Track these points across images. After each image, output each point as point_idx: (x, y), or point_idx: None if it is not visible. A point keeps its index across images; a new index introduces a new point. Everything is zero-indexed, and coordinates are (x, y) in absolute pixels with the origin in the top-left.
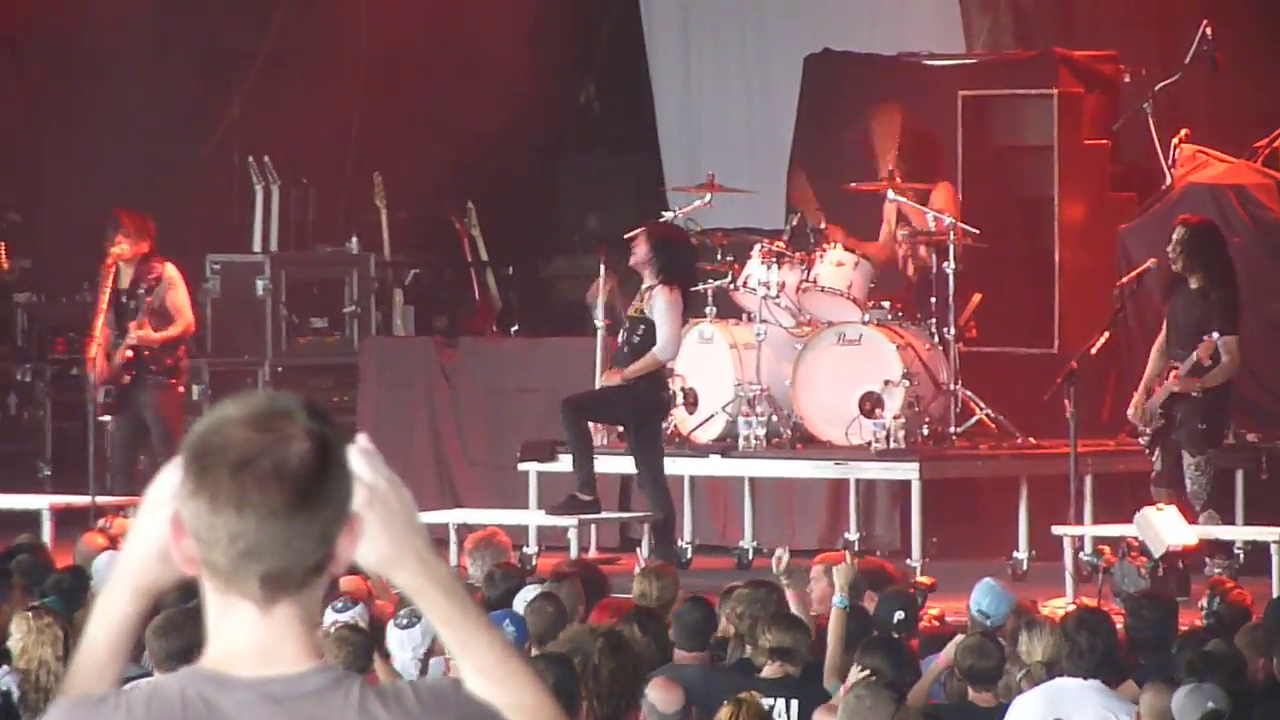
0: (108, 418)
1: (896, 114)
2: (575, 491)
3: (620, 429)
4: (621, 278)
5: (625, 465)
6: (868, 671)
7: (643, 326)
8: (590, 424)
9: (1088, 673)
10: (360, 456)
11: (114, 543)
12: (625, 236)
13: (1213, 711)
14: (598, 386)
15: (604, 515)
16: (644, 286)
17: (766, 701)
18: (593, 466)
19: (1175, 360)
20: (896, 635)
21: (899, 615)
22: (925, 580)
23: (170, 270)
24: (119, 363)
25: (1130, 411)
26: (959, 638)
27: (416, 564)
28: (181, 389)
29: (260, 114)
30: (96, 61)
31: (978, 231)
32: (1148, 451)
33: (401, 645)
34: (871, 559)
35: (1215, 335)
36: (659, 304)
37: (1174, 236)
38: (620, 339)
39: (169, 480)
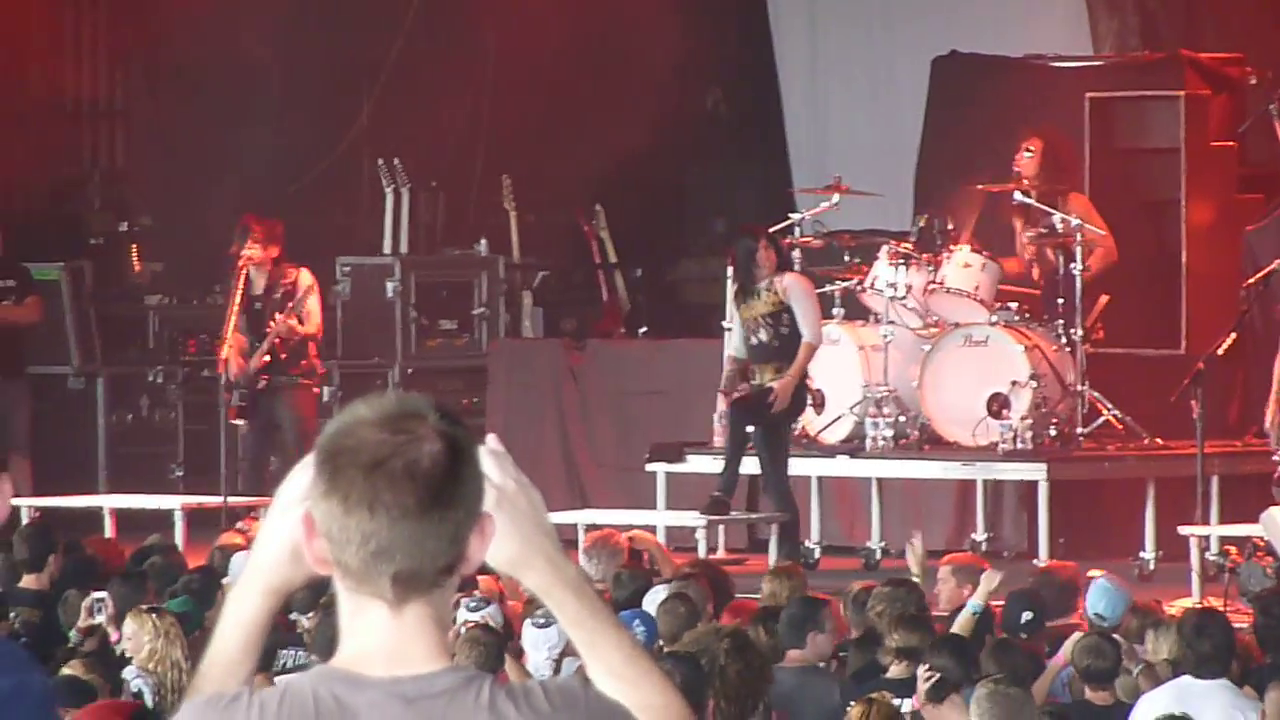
0: (240, 421)
1: (1032, 122)
2: (718, 492)
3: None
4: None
5: (751, 465)
6: (931, 672)
7: (786, 316)
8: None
9: (1211, 675)
10: (490, 458)
11: (251, 544)
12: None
13: None
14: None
15: (734, 516)
16: (760, 286)
17: (894, 702)
18: (739, 469)
19: None
20: (1024, 635)
21: (1026, 616)
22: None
23: (305, 276)
24: (255, 367)
25: (1268, 424)
26: (1076, 635)
27: (545, 564)
28: (316, 390)
29: (389, 117)
30: (227, 68)
31: (1105, 234)
32: None
33: (537, 645)
34: (971, 556)
35: None
36: (797, 291)
37: None
38: (757, 338)
39: (300, 480)
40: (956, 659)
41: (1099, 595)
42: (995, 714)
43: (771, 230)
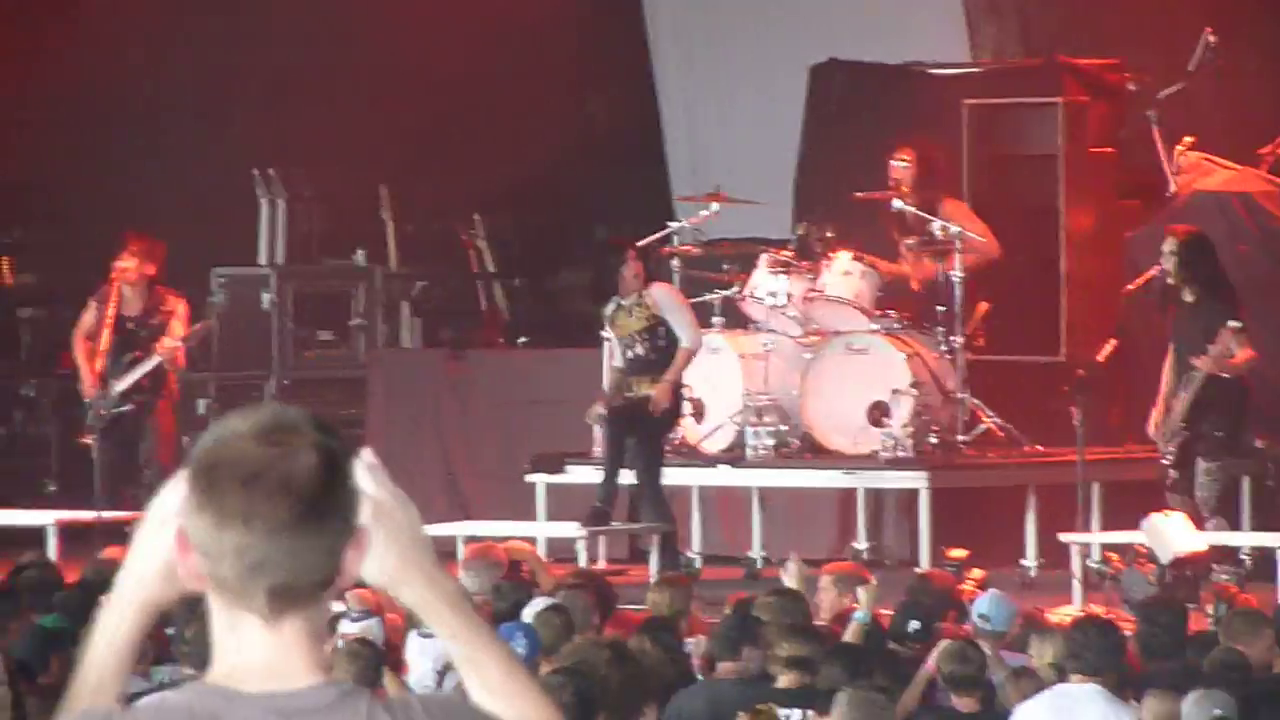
0: (89, 440)
1: (910, 129)
2: (599, 503)
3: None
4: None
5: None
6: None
7: (662, 329)
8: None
9: (1091, 673)
10: (365, 470)
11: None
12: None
13: (1220, 718)
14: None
15: (615, 527)
16: (629, 302)
17: (783, 712)
18: (618, 478)
19: (1187, 371)
20: (912, 645)
21: (914, 625)
22: (960, 553)
23: (182, 308)
24: (123, 390)
25: (1150, 429)
26: (943, 643)
27: (422, 579)
28: (171, 410)
29: (266, 128)
30: (101, 76)
31: (984, 240)
32: (1172, 470)
33: (423, 653)
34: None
35: (1230, 324)
36: (667, 301)
37: (1164, 249)
38: (634, 352)
39: (173, 495)
40: (849, 669)
41: (987, 600)
42: (855, 718)
43: (642, 242)
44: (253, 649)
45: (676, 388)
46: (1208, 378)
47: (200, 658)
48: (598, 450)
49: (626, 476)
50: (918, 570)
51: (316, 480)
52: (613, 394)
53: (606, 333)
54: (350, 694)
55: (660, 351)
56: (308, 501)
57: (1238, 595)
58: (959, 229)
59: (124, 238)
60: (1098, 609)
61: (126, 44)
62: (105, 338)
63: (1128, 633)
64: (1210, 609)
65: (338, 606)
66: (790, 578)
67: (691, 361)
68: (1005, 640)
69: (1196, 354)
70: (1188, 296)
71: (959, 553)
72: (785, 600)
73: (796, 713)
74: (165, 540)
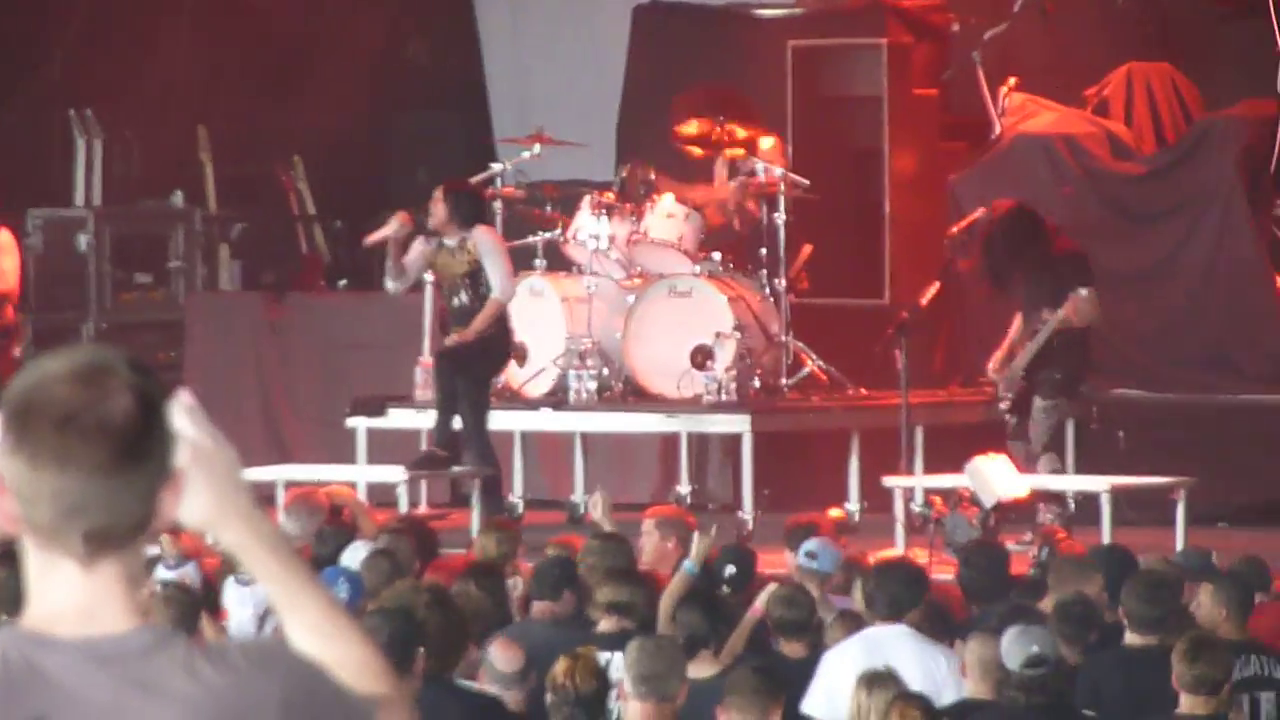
0: None
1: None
2: (434, 447)
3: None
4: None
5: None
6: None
7: (484, 275)
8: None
9: (892, 615)
10: (182, 412)
11: None
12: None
13: (1037, 656)
14: (446, 344)
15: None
16: (451, 244)
17: (603, 656)
18: (453, 423)
19: (1037, 324)
20: (730, 590)
21: (729, 570)
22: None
23: (4, 236)
24: None
25: (991, 367)
26: (771, 587)
27: (240, 521)
28: (17, 351)
29: (82, 66)
30: None
31: (808, 183)
32: (1009, 416)
33: (242, 602)
34: (676, 509)
35: (1080, 291)
36: (485, 245)
37: (992, 244)
38: (459, 299)
39: None
40: (706, 615)
41: (815, 541)
42: (642, 663)
43: (457, 183)
44: (68, 593)
45: (499, 335)
46: (1055, 332)
47: (10, 600)
48: (419, 394)
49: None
50: (749, 518)
51: (133, 422)
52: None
53: (428, 275)
54: (167, 638)
55: (483, 300)
56: (124, 444)
57: (1063, 539)
58: (782, 170)
59: None
60: (921, 553)
61: None
62: None
63: (947, 576)
64: (1034, 552)
65: (153, 552)
66: (596, 511)
67: (500, 312)
68: (830, 584)
69: (1052, 303)
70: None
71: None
72: (609, 544)
73: (616, 655)
74: None
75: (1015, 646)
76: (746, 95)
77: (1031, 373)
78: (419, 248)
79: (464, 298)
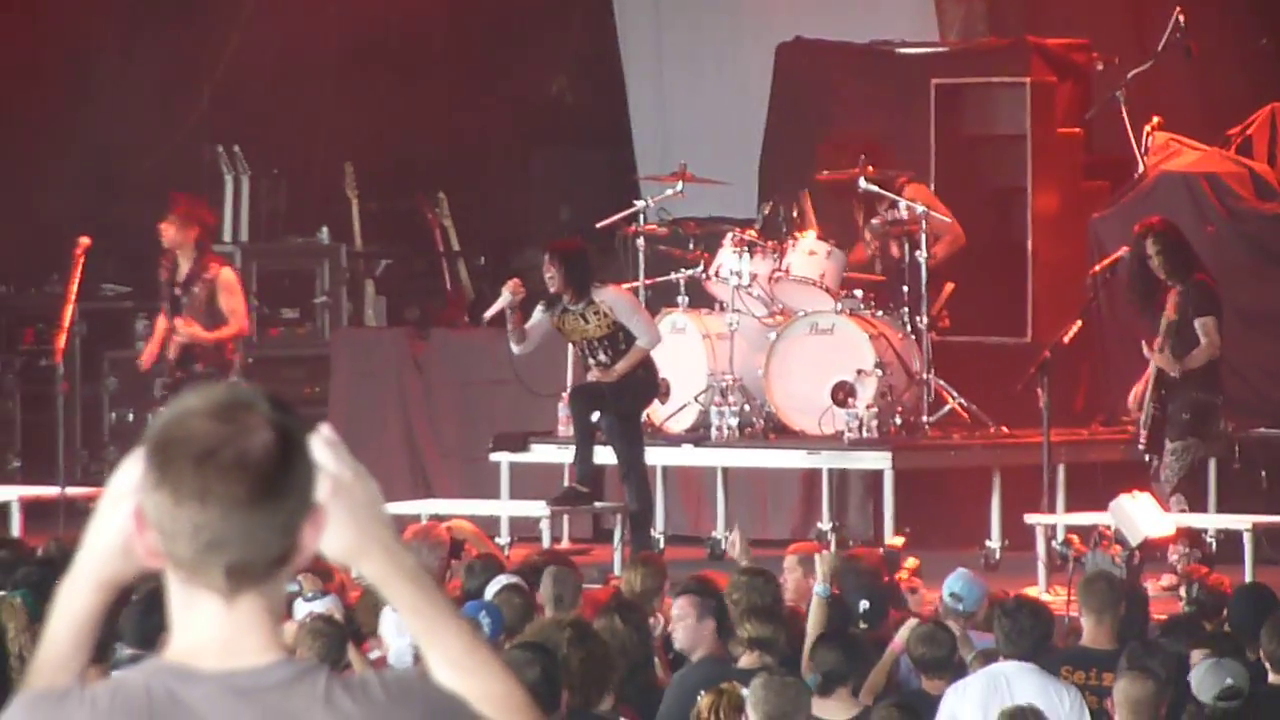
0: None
1: (878, 108)
2: (575, 483)
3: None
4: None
5: (602, 455)
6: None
7: (623, 334)
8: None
9: (1023, 654)
10: (324, 447)
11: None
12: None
13: (1230, 688)
14: (588, 380)
15: (579, 507)
16: (577, 308)
17: (744, 692)
18: (593, 458)
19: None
20: (865, 625)
21: (864, 605)
22: (897, 542)
23: (226, 274)
24: (172, 357)
25: (1130, 403)
26: (911, 622)
27: (382, 554)
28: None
29: (230, 104)
30: (65, 48)
31: (949, 221)
32: (1148, 457)
33: (400, 630)
34: (817, 545)
35: (1197, 321)
36: (619, 305)
37: (1150, 249)
38: (596, 359)
39: (131, 473)
40: (844, 652)
41: (958, 578)
42: (770, 701)
43: (563, 245)
44: (210, 626)
45: (648, 367)
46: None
47: (138, 636)
48: (561, 429)
49: (601, 454)
50: (846, 551)
51: (271, 457)
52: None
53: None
54: (308, 671)
55: (624, 355)
56: (263, 479)
57: (1208, 574)
58: (924, 208)
59: (172, 198)
60: (1061, 591)
61: (93, 18)
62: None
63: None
64: (1182, 590)
65: (292, 586)
66: (734, 548)
67: (645, 359)
68: (972, 621)
69: (1186, 339)
70: (1171, 283)
71: (896, 540)
72: (756, 580)
73: None
74: (123, 517)
75: (1209, 678)
76: (889, 143)
77: (1161, 404)
78: (539, 315)
79: (604, 358)
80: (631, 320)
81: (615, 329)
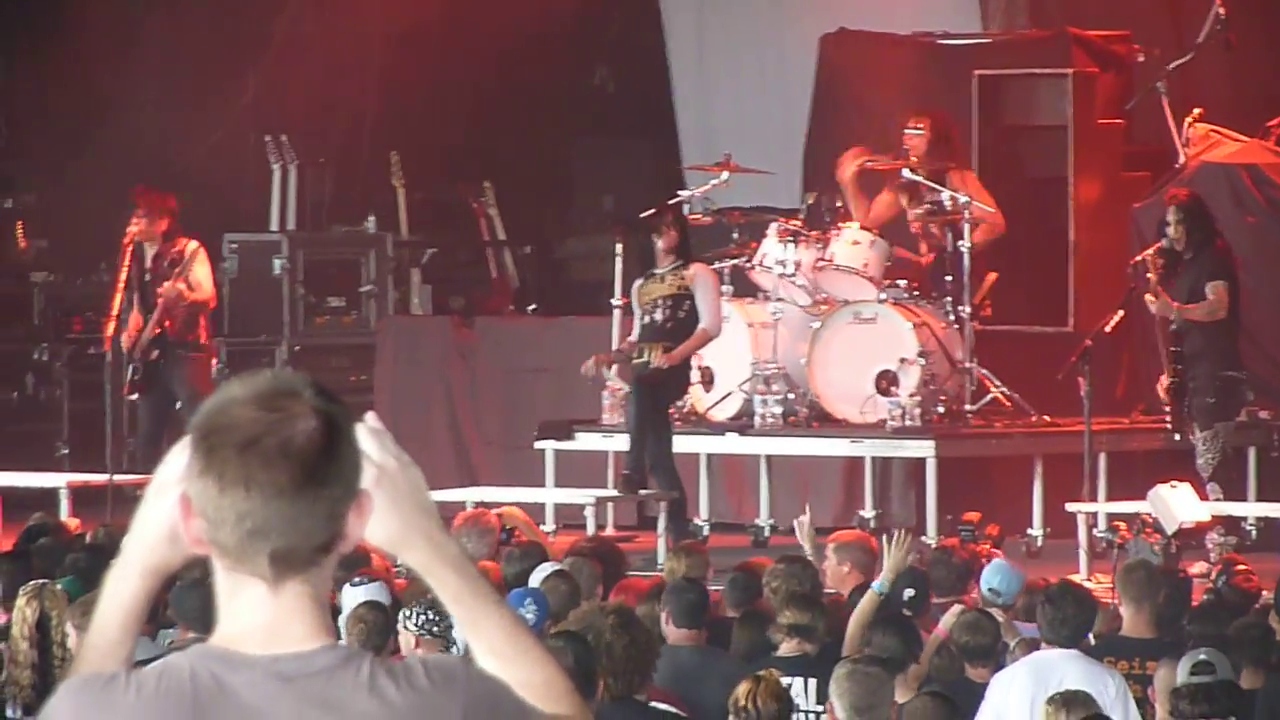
0: (134, 395)
1: (920, 99)
2: (630, 471)
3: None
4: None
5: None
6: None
7: (688, 302)
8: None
9: (1067, 641)
10: (369, 435)
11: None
12: (644, 215)
13: (1203, 662)
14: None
15: (621, 494)
16: (668, 268)
17: (784, 680)
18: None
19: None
20: (909, 613)
21: (909, 593)
22: (974, 515)
23: (193, 245)
24: (147, 337)
25: (1160, 389)
26: (956, 609)
27: (425, 542)
28: (214, 361)
29: (277, 93)
30: (111, 41)
31: (993, 210)
32: (1171, 431)
33: None
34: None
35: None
36: (704, 282)
37: (1170, 218)
38: (652, 318)
39: (177, 461)
40: (902, 639)
41: (995, 571)
42: (854, 692)
43: (648, 212)
44: (255, 612)
45: (684, 362)
46: (1189, 326)
47: (189, 618)
48: (606, 418)
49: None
50: (933, 542)
51: (315, 445)
52: (618, 357)
53: (616, 300)
54: (353, 657)
55: (678, 322)
56: (306, 466)
57: (1241, 571)
58: (968, 199)
59: (132, 194)
60: (1104, 579)
61: (137, 9)
62: (124, 299)
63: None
64: (1212, 576)
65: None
66: (802, 534)
67: (705, 345)
68: (1012, 611)
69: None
70: (1188, 255)
71: (972, 515)
72: (795, 567)
73: (797, 680)
74: (170, 505)
75: (1185, 659)
76: (961, 127)
77: (1181, 377)
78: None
79: (658, 316)
80: (705, 300)
81: (683, 293)
